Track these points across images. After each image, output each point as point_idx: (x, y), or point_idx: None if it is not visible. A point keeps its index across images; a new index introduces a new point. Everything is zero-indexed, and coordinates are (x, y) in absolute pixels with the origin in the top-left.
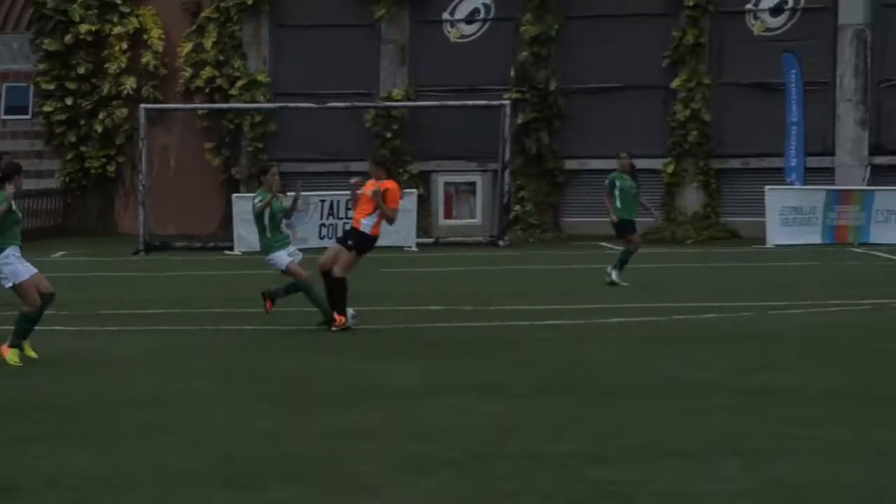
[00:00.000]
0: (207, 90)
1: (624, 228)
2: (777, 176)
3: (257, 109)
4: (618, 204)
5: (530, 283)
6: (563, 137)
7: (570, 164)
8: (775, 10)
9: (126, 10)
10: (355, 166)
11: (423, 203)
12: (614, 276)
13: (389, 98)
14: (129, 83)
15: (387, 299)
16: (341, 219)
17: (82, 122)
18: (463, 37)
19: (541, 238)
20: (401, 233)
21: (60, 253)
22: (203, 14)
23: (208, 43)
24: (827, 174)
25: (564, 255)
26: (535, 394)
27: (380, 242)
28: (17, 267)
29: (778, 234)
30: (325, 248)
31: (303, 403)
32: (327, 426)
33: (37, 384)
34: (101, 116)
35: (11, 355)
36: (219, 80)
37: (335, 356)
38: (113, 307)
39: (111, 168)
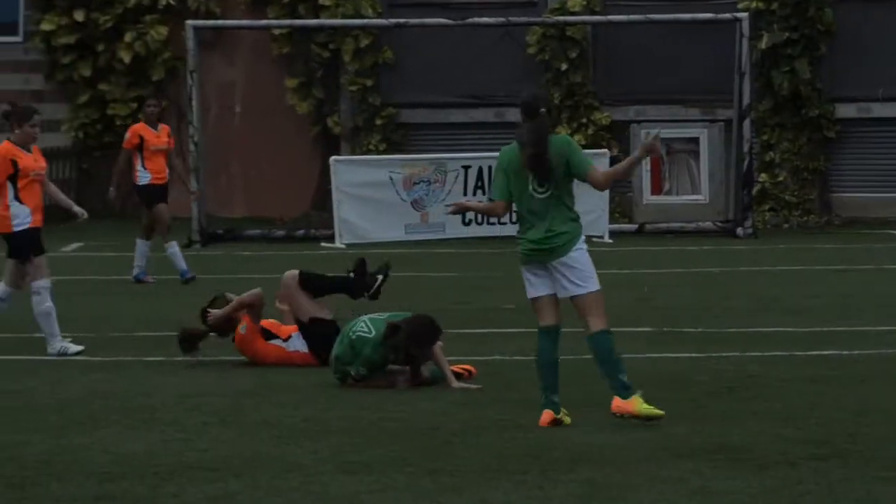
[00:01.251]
0: None
1: None
2: None
3: (364, 27)
4: None
5: (785, 291)
6: (832, 69)
7: (845, 111)
8: None
9: None
10: (512, 114)
11: None
12: None
13: (563, 10)
14: None
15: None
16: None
17: (100, 46)
18: None
19: (802, 223)
20: (586, 216)
21: (75, 245)
22: None
23: None
24: None
25: (839, 251)
26: (801, 463)
27: None
28: None
29: None
30: (472, 238)
31: (424, 466)
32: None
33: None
34: (128, 38)
35: None
36: None
37: (488, 405)
38: (153, 327)
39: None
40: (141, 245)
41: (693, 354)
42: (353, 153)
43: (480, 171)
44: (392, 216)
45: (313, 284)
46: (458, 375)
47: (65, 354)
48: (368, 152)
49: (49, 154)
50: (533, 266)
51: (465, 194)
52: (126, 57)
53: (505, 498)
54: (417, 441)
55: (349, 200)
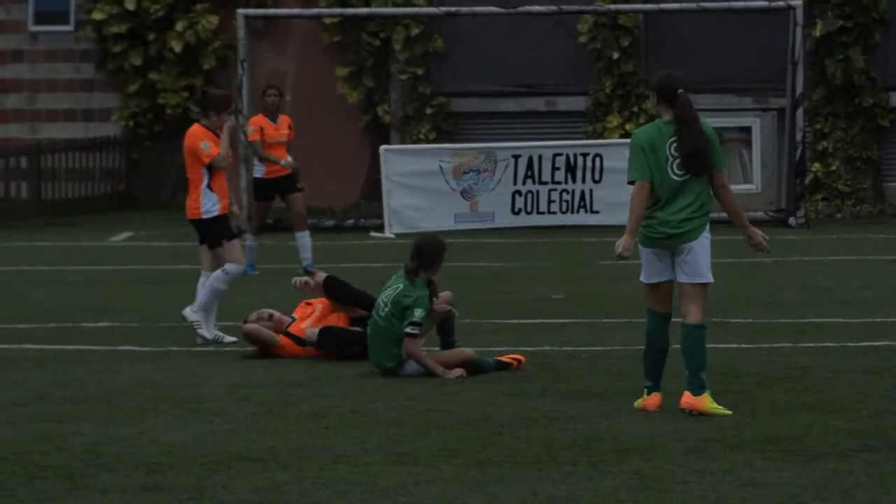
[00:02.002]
0: None
1: None
2: None
3: (415, 16)
4: None
5: (837, 282)
6: (887, 57)
7: None
8: None
9: None
10: (564, 103)
11: None
12: None
13: None
14: None
15: (608, 307)
16: (545, 183)
17: (151, 36)
18: None
19: (854, 213)
20: (622, 207)
21: (124, 235)
22: None
23: None
24: None
25: (892, 241)
26: (852, 455)
27: (599, 220)
28: None
29: None
30: (522, 227)
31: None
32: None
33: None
34: (179, 28)
35: None
36: None
37: (538, 396)
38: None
39: (196, 107)
40: (249, 241)
41: (743, 345)
42: (403, 142)
43: (530, 160)
44: (442, 205)
45: (337, 291)
46: (506, 365)
47: (220, 342)
48: (418, 141)
49: (99, 143)
50: (658, 250)
51: (514, 183)
52: (177, 46)
53: (553, 489)
54: (466, 432)
55: (399, 190)
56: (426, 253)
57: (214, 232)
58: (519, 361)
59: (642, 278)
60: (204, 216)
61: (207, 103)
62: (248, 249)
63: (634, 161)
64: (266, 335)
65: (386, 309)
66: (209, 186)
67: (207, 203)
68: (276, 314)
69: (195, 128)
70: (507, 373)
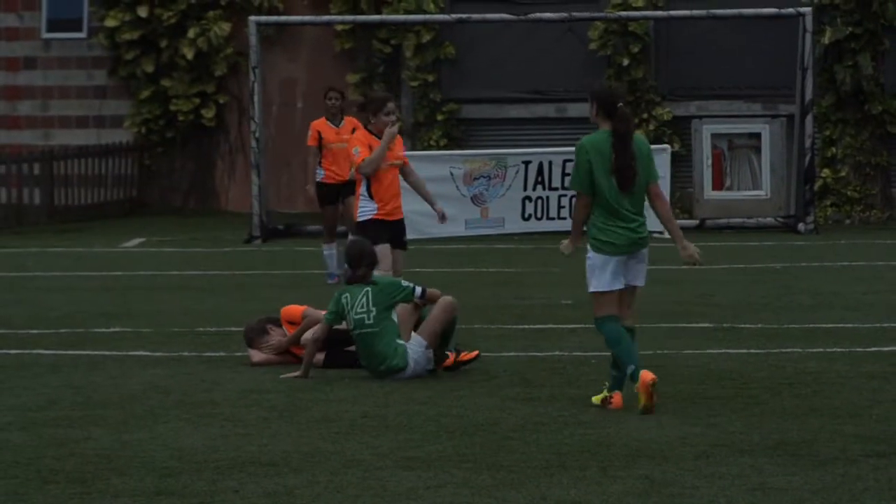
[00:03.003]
0: None
1: None
2: None
3: (426, 23)
4: None
5: (846, 287)
6: None
7: None
8: None
9: None
10: (574, 109)
11: (681, 165)
12: None
13: (626, 5)
14: None
15: None
16: (555, 189)
17: (163, 43)
18: None
19: (863, 219)
20: (646, 211)
21: (136, 241)
22: None
23: None
24: None
25: None
26: (861, 460)
27: None
28: None
29: None
30: (531, 233)
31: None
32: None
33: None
34: (191, 35)
35: None
36: None
37: (547, 401)
38: (212, 323)
39: (208, 113)
40: (325, 250)
41: (753, 350)
42: (414, 149)
43: (541, 166)
44: (452, 211)
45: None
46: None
47: None
48: (429, 148)
49: (111, 150)
50: (620, 257)
51: (524, 189)
52: (189, 53)
53: (563, 494)
54: (476, 437)
55: (409, 195)
56: (368, 253)
57: (368, 236)
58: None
59: (601, 287)
60: (359, 219)
61: (364, 106)
62: (327, 257)
63: (579, 170)
64: (275, 360)
65: (372, 313)
66: (367, 191)
67: (362, 207)
68: (273, 333)
69: (357, 132)
70: (518, 378)
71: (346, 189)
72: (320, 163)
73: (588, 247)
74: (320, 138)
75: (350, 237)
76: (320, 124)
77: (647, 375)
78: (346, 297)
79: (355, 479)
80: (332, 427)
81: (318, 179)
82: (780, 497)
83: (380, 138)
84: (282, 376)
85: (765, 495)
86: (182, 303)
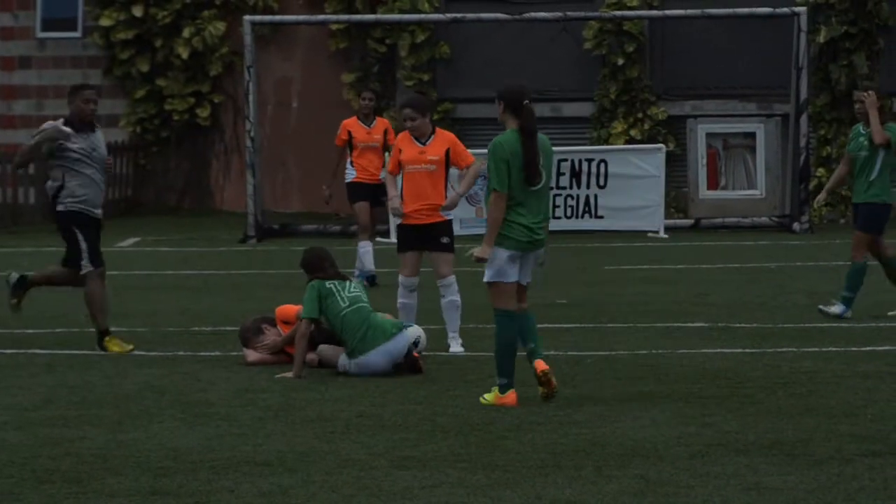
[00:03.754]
0: None
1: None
2: None
3: (420, 23)
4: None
5: (841, 287)
6: (890, 63)
7: None
8: None
9: None
10: (569, 109)
11: (676, 165)
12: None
13: (620, 4)
14: None
15: (612, 312)
16: (550, 188)
17: (158, 42)
18: None
19: None
20: (642, 211)
21: (132, 240)
22: None
23: None
24: None
25: None
26: (856, 459)
27: (604, 225)
28: None
29: None
30: None
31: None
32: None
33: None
34: (186, 34)
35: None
36: None
37: (542, 400)
38: (208, 322)
39: (203, 112)
40: (360, 247)
41: (748, 350)
42: None
43: None
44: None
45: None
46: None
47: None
48: None
49: (106, 149)
50: (519, 252)
51: None
52: (184, 52)
53: (558, 493)
54: (471, 436)
55: None
56: (326, 255)
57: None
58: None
59: (502, 278)
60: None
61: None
62: (362, 255)
63: (496, 170)
64: (270, 360)
65: (366, 295)
66: (401, 192)
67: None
68: (268, 332)
69: (400, 134)
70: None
71: (380, 190)
72: (351, 162)
73: None
74: (350, 137)
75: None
76: (351, 123)
77: (513, 399)
78: (333, 284)
79: (350, 479)
80: (327, 427)
81: (348, 179)
82: (775, 496)
83: (417, 140)
84: (276, 376)
85: (760, 495)
86: (177, 302)
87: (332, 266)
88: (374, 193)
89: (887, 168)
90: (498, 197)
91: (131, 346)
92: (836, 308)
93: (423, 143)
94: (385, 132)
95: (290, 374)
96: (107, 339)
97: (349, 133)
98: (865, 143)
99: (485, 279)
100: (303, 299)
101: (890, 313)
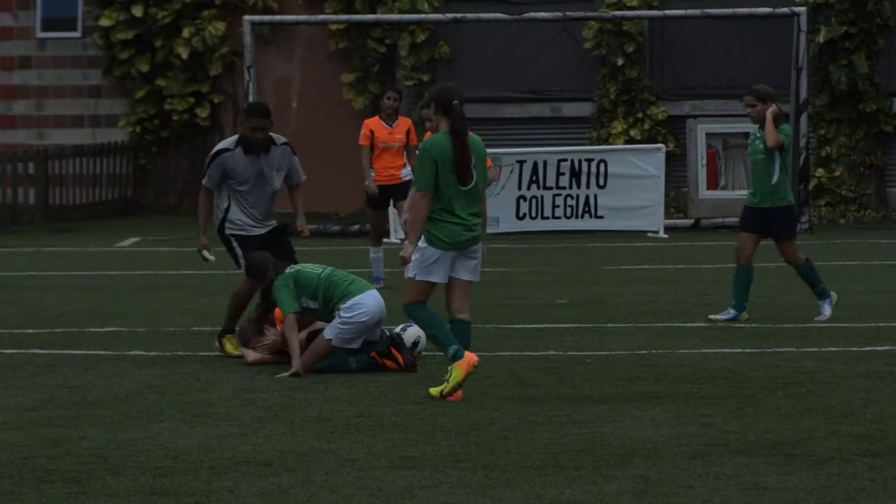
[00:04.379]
0: None
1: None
2: None
3: (420, 23)
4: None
5: (840, 287)
6: (890, 63)
7: None
8: None
9: None
10: (569, 109)
11: (675, 165)
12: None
13: (620, 4)
14: None
15: (612, 312)
16: (550, 188)
17: (158, 42)
18: None
19: (858, 218)
20: (641, 211)
21: (131, 240)
22: None
23: None
24: None
25: (895, 246)
26: (856, 459)
27: (603, 225)
28: None
29: None
30: (526, 232)
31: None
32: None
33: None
34: (186, 34)
35: None
36: None
37: (542, 400)
38: (207, 322)
39: (203, 112)
40: (372, 252)
41: (747, 350)
42: None
43: (535, 165)
44: None
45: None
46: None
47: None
48: None
49: (106, 149)
50: (450, 252)
51: (519, 189)
52: (183, 52)
53: (558, 493)
54: (471, 436)
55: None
56: (268, 258)
57: None
58: (399, 364)
59: (426, 277)
60: None
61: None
62: (373, 261)
63: (422, 170)
64: (270, 360)
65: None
66: None
67: None
68: (268, 333)
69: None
70: (513, 377)
71: (399, 191)
72: (371, 163)
73: (422, 237)
74: (373, 137)
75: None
76: (374, 123)
77: (472, 357)
78: (292, 269)
79: (350, 479)
80: (326, 426)
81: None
82: (775, 496)
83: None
84: (277, 376)
85: (759, 495)
86: (177, 302)
87: (275, 266)
88: (391, 195)
89: (786, 170)
90: (421, 197)
91: (239, 353)
92: (826, 308)
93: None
94: (408, 132)
95: (286, 374)
96: (227, 336)
97: (371, 132)
98: (761, 146)
99: (408, 275)
100: (277, 302)
101: (711, 316)
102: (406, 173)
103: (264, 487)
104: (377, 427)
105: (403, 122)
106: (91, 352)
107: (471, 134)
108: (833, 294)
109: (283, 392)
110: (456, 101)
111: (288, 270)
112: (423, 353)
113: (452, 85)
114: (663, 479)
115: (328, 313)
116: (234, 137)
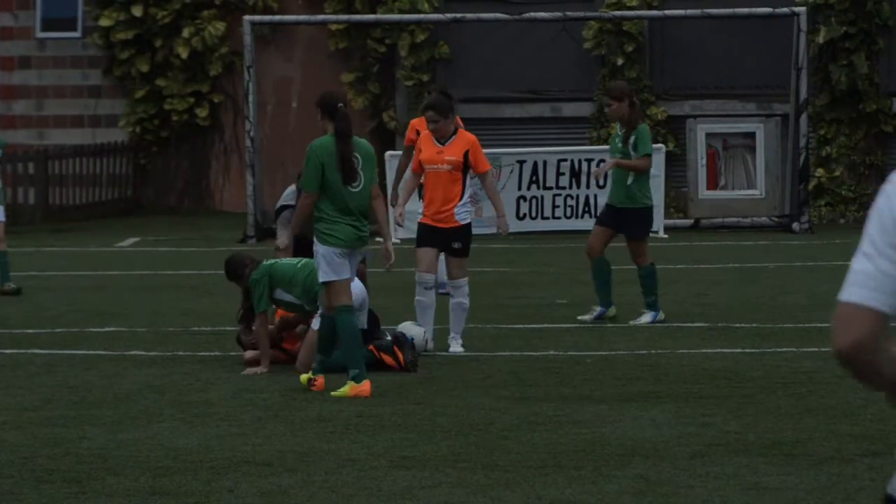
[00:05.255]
0: None
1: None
2: None
3: (420, 23)
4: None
5: (841, 287)
6: (890, 63)
7: None
8: None
9: None
10: (569, 109)
11: (675, 165)
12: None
13: (620, 4)
14: None
15: (612, 312)
16: (550, 188)
17: (158, 42)
18: None
19: (858, 218)
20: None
21: (131, 240)
22: None
23: None
24: None
25: None
26: (856, 459)
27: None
28: None
29: None
30: (526, 232)
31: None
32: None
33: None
34: (186, 34)
35: None
36: None
37: (542, 400)
38: (207, 323)
39: (203, 112)
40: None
41: (747, 350)
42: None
43: (535, 165)
44: None
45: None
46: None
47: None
48: None
49: (106, 149)
50: (346, 250)
51: (519, 189)
52: (183, 52)
53: (558, 493)
54: (471, 436)
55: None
56: (238, 260)
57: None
58: (399, 363)
59: (337, 276)
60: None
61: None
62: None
63: (309, 172)
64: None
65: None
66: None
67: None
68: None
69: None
70: (513, 377)
71: None
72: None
73: (315, 239)
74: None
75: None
76: (420, 123)
77: (366, 390)
78: (265, 266)
79: (350, 479)
80: (326, 426)
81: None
82: (775, 496)
83: (437, 141)
84: (242, 373)
85: (759, 495)
86: (177, 302)
87: (249, 265)
88: None
89: (646, 172)
90: (306, 196)
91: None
92: (646, 317)
93: (443, 144)
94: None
95: (250, 371)
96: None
97: (416, 132)
98: (620, 144)
99: (320, 279)
100: (252, 298)
101: (579, 317)
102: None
103: (264, 487)
104: (377, 427)
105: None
106: (91, 352)
107: (358, 138)
108: (661, 314)
109: (282, 392)
110: (340, 105)
111: (264, 263)
112: (423, 353)
113: (336, 91)
114: (663, 479)
115: (309, 303)
116: None
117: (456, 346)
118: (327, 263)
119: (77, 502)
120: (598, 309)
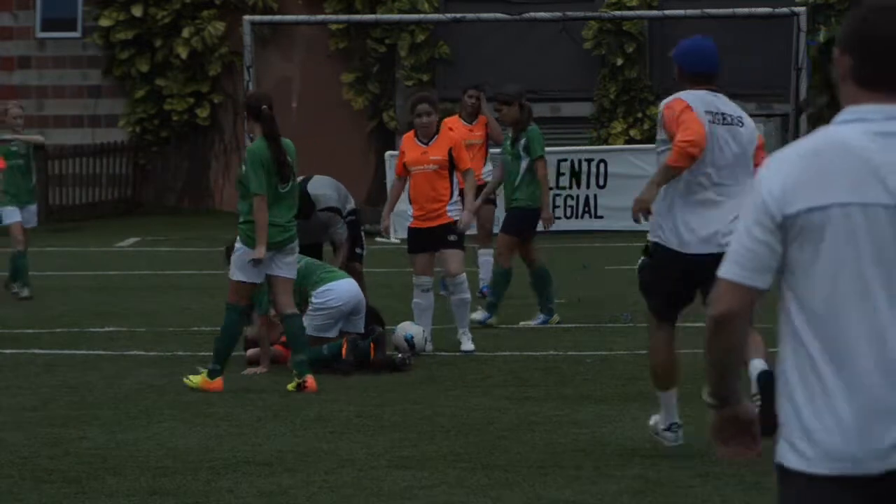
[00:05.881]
0: None
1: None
2: None
3: (420, 23)
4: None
5: None
6: None
7: None
8: None
9: None
10: (568, 109)
11: None
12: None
13: (620, 4)
14: None
15: (612, 312)
16: (549, 188)
17: (158, 42)
18: None
19: None
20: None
21: (131, 240)
22: None
23: None
24: None
25: None
26: None
27: (603, 225)
28: None
29: None
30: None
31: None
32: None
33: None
34: (185, 34)
35: None
36: None
37: (542, 400)
38: (208, 322)
39: (203, 112)
40: (480, 256)
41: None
42: None
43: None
44: None
45: None
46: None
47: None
48: None
49: (106, 149)
50: (271, 253)
51: None
52: (183, 52)
53: (558, 493)
54: (471, 436)
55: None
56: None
57: (409, 242)
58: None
59: (251, 279)
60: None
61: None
62: (482, 265)
63: (256, 175)
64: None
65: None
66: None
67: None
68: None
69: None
70: (512, 377)
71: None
72: None
73: (238, 239)
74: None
75: None
76: (453, 121)
77: (217, 386)
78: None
79: (350, 479)
80: (326, 426)
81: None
82: (775, 496)
83: (420, 141)
84: (243, 373)
85: (760, 495)
86: (177, 302)
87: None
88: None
89: (531, 172)
90: (261, 199)
91: None
92: (479, 315)
93: (427, 144)
94: (485, 129)
95: (250, 371)
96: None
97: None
98: (509, 147)
99: (233, 277)
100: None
101: (522, 323)
102: (486, 172)
103: (264, 487)
104: (377, 427)
105: (481, 120)
106: (91, 352)
107: (284, 138)
108: (556, 317)
109: (282, 392)
110: (265, 107)
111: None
112: (423, 353)
113: (261, 92)
114: (663, 478)
115: (301, 303)
116: None
117: (468, 344)
118: (242, 263)
119: (77, 502)
120: (486, 313)
